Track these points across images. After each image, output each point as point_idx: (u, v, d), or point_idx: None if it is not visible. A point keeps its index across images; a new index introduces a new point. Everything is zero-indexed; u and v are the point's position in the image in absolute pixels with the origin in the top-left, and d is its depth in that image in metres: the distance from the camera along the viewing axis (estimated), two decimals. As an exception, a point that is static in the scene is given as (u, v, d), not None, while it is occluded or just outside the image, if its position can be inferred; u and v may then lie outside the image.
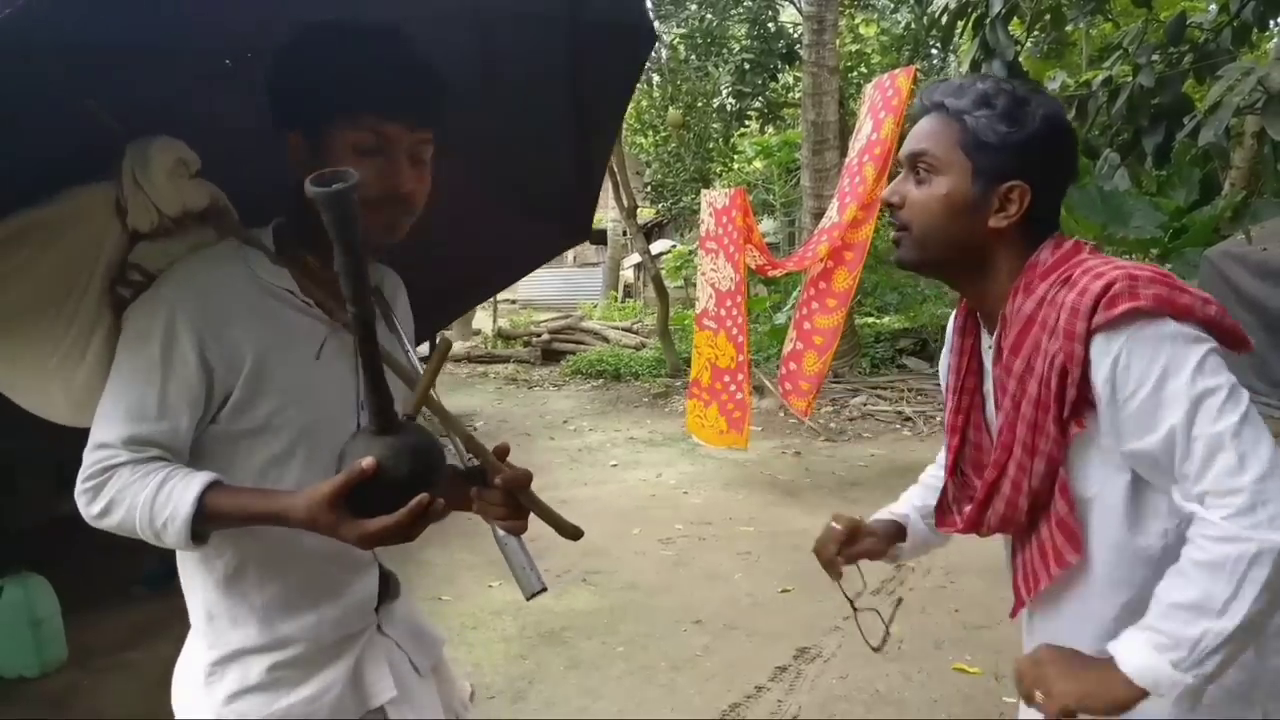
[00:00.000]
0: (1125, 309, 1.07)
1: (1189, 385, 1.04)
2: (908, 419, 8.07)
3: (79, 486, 1.18)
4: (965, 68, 4.46)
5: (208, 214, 1.28)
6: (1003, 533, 1.31)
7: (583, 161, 1.83)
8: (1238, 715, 1.15)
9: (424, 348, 1.86)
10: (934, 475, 1.59)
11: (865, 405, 8.59)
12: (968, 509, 1.33)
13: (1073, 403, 1.13)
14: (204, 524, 1.14)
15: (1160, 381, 1.06)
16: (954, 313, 1.42)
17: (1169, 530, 1.14)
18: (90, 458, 1.18)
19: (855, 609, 1.56)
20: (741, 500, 5.95)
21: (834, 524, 1.51)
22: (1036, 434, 1.17)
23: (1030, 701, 1.16)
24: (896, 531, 1.56)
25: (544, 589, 1.36)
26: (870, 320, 10.18)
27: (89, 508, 1.18)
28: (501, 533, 1.34)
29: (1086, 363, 1.10)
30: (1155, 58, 3.43)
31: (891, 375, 9.60)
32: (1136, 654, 1.06)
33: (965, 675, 3.37)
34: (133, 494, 1.15)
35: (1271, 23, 4.05)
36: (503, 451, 1.26)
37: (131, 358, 1.20)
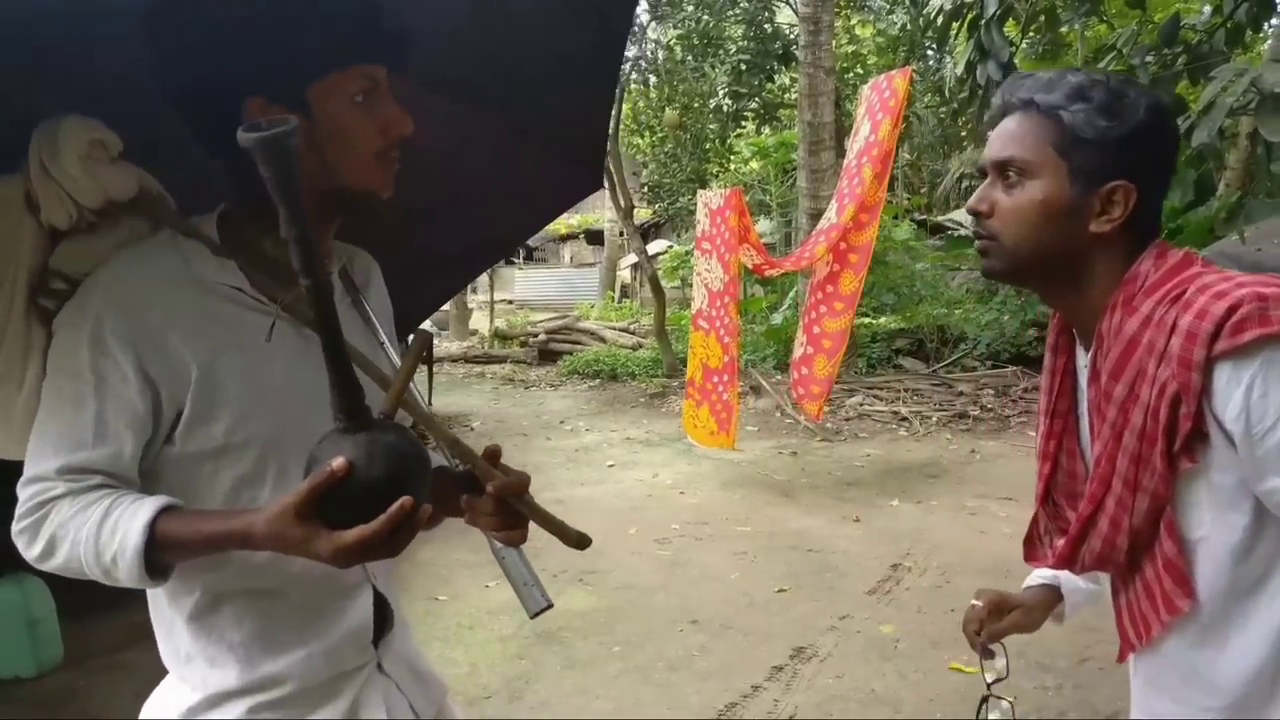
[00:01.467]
0: (1255, 336, 0.96)
1: None
2: (904, 419, 8.08)
3: (15, 526, 1.03)
4: (960, 69, 4.47)
5: (137, 203, 1.11)
6: (1100, 570, 1.22)
7: (586, 102, 1.68)
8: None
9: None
10: None
11: (862, 405, 8.59)
12: (1059, 543, 1.22)
13: (1185, 436, 1.02)
14: (159, 554, 0.99)
15: None
16: (1049, 327, 1.32)
17: None
18: (23, 493, 1.03)
19: (989, 691, 1.47)
20: (738, 500, 5.96)
21: (975, 602, 1.42)
22: (1140, 468, 1.06)
23: None
24: (1051, 596, 1.44)
25: (549, 606, 1.18)
26: (867, 320, 10.17)
27: (29, 550, 1.03)
28: (499, 545, 1.18)
29: (1205, 393, 1.00)
30: (1149, 59, 3.44)
31: (888, 375, 9.61)
32: None
33: (962, 675, 3.37)
34: (74, 529, 1.00)
35: (1265, 24, 4.06)
36: (493, 454, 1.12)
37: (60, 379, 1.05)
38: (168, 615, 1.16)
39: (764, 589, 4.34)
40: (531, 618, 1.20)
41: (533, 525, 1.15)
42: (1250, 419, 0.98)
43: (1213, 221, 7.55)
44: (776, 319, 10.56)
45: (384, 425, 0.96)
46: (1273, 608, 1.05)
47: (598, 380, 11.39)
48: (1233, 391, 0.98)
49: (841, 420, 8.21)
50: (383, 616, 1.26)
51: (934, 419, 7.98)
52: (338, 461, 0.90)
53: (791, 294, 10.30)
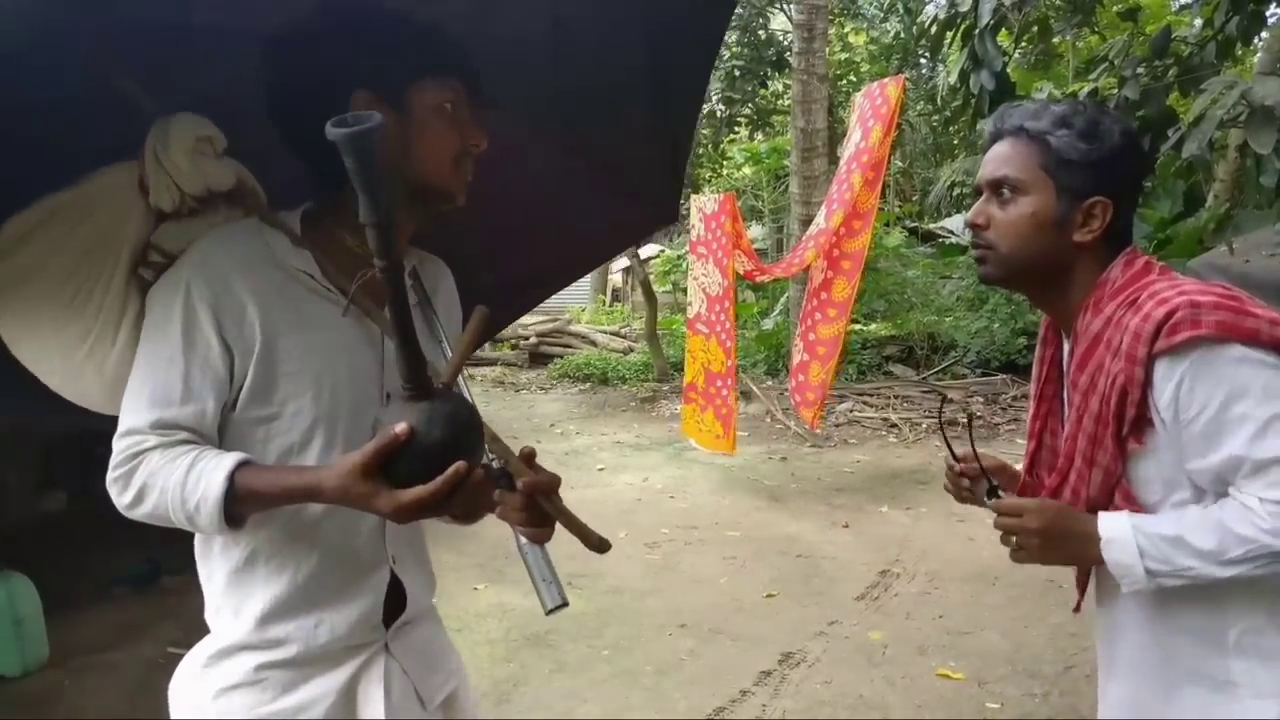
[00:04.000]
0: (1186, 337, 1.11)
1: (1255, 408, 1.10)
2: (893, 425, 8.11)
3: (110, 476, 1.14)
4: (954, 78, 4.49)
5: (234, 194, 1.24)
6: None
7: (667, 137, 1.75)
8: None
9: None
10: None
11: (851, 411, 8.62)
12: (1049, 480, 1.38)
13: (1131, 421, 1.19)
14: (236, 504, 1.10)
15: (1225, 404, 1.11)
16: (1041, 322, 1.49)
17: None
18: (118, 445, 1.14)
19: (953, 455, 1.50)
20: (728, 505, 5.96)
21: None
22: (1095, 447, 1.24)
23: (1006, 543, 1.31)
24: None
25: (565, 604, 1.25)
26: (857, 327, 10.20)
27: (120, 497, 1.14)
28: (524, 540, 1.26)
29: (1147, 385, 1.16)
30: (1140, 70, 3.46)
31: (878, 382, 9.63)
32: (1123, 552, 1.19)
33: (949, 681, 3.38)
34: (163, 478, 1.11)
35: (1255, 38, 4.10)
36: (528, 456, 1.20)
37: (153, 341, 1.17)
38: (212, 569, 1.26)
39: (753, 594, 4.34)
40: (546, 614, 1.26)
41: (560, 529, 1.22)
42: (1179, 409, 1.14)
43: (1202, 232, 7.61)
44: (768, 324, 10.58)
45: (444, 395, 1.04)
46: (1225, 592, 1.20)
47: (588, 384, 11.39)
48: (1165, 385, 1.15)
49: (831, 426, 8.22)
50: (399, 601, 1.31)
51: (924, 425, 8.00)
52: (401, 426, 0.99)
53: (783, 300, 10.33)
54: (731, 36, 13.17)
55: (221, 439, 1.19)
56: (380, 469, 1.02)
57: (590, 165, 1.71)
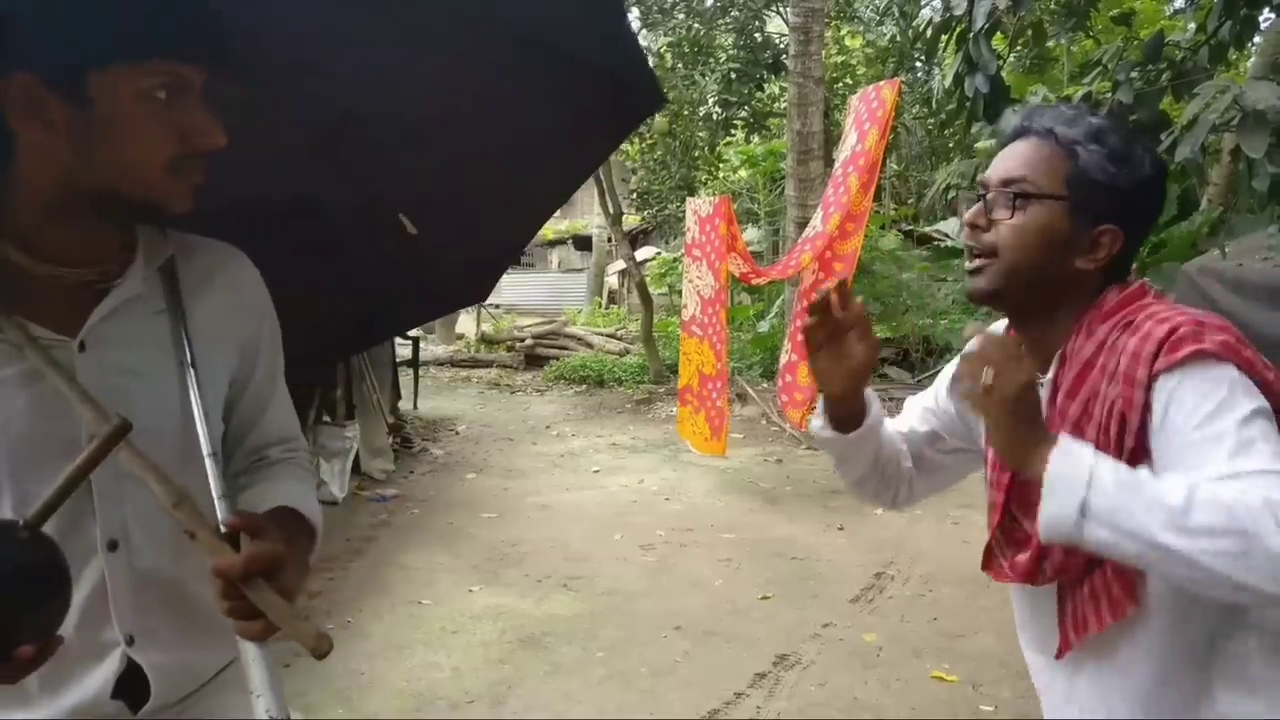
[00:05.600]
0: (1189, 351, 1.02)
1: (1240, 427, 0.99)
2: (889, 428, 8.11)
3: None
4: (949, 81, 4.50)
5: None
6: (1059, 580, 1.21)
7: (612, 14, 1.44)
8: None
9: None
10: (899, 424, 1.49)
11: (847, 414, 8.62)
12: (1021, 558, 1.22)
13: (1131, 451, 1.06)
14: None
15: (1211, 416, 1.00)
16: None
17: None
18: None
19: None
20: (723, 507, 5.97)
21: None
22: None
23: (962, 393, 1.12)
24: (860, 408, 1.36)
25: None
26: (853, 330, 10.22)
27: None
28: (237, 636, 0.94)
29: (1147, 410, 1.05)
30: (1134, 75, 3.48)
31: (873, 385, 9.61)
32: (1072, 465, 0.99)
33: (943, 683, 3.39)
34: None
35: (1248, 42, 4.12)
36: (235, 525, 0.95)
37: None
38: None
39: (748, 596, 4.34)
40: None
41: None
42: (1167, 415, 1.03)
43: (1195, 237, 7.62)
44: (763, 327, 10.60)
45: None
46: (1210, 612, 1.08)
47: (584, 386, 11.39)
48: (1162, 403, 1.04)
49: (827, 428, 8.22)
50: (134, 685, 1.04)
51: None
52: None
53: (778, 302, 10.34)
54: (728, 39, 13.20)
55: None
56: None
57: (540, 58, 1.45)
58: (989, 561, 1.33)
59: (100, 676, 1.01)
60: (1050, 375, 1.20)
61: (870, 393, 1.39)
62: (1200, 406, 1.01)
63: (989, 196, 1.20)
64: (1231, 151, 7.67)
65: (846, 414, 1.36)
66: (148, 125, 0.94)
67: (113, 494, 1.00)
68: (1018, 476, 1.22)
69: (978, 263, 1.21)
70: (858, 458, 1.40)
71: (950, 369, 1.44)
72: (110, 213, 1.00)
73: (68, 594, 0.87)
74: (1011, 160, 1.20)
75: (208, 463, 1.02)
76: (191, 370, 1.04)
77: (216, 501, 1.00)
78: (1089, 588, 1.15)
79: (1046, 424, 1.16)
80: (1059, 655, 1.23)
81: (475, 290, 1.87)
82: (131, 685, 1.04)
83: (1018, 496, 1.24)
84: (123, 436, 0.87)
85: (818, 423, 1.39)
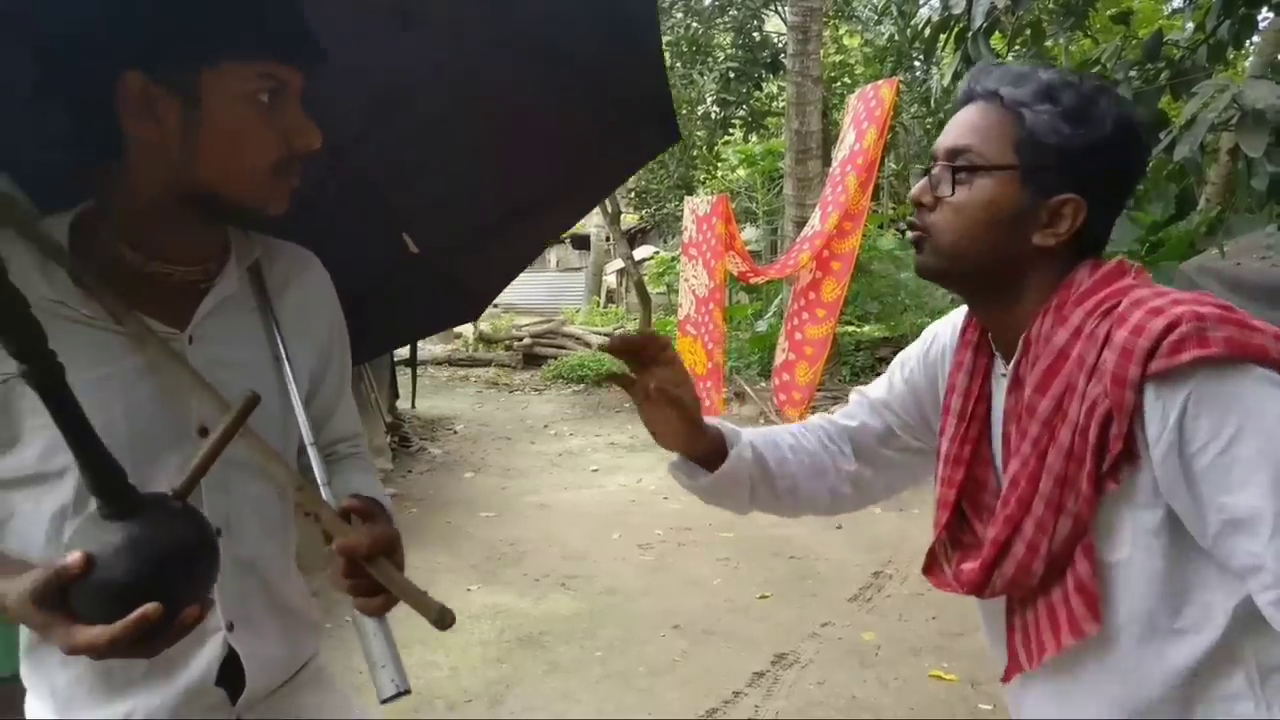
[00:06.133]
0: (1192, 357, 0.89)
1: (1270, 444, 0.89)
2: (887, 427, 8.11)
3: None
4: (947, 80, 4.50)
5: None
6: (1009, 594, 1.11)
7: (640, 52, 1.44)
8: None
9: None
10: (791, 429, 1.35)
11: (845, 413, 8.62)
12: (968, 566, 1.12)
13: (1114, 457, 0.95)
14: None
15: (1236, 438, 0.90)
16: (960, 322, 1.22)
17: (1220, 610, 0.97)
18: None
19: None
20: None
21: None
22: (1065, 490, 0.99)
23: None
24: (714, 438, 1.22)
25: (403, 692, 1.01)
26: (851, 329, 10.22)
27: None
28: (356, 611, 1.01)
29: (1137, 412, 0.94)
30: (1133, 74, 3.48)
31: (871, 383, 9.64)
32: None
33: (942, 682, 3.39)
34: None
35: (1247, 41, 4.12)
36: (353, 508, 1.00)
37: None
38: (21, 648, 1.06)
39: (746, 595, 4.34)
40: (381, 703, 1.02)
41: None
42: (1184, 439, 0.92)
43: (1194, 236, 7.63)
44: (761, 326, 10.58)
45: (152, 512, 0.85)
46: (1191, 640, 0.98)
47: (582, 385, 11.38)
48: (1168, 413, 0.92)
49: (825, 428, 8.22)
50: (236, 669, 1.08)
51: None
52: (72, 557, 0.81)
53: (776, 301, 10.33)
54: (726, 39, 13.20)
55: None
56: (56, 599, 0.82)
57: (567, 90, 1.47)
58: (931, 565, 1.23)
59: (204, 661, 1.04)
60: (1013, 361, 1.07)
61: (719, 422, 1.25)
62: (1221, 427, 0.90)
63: (933, 172, 1.09)
64: (1230, 151, 7.67)
65: (706, 453, 1.22)
66: (254, 126, 0.97)
67: (220, 482, 1.03)
68: (972, 474, 1.15)
69: (918, 236, 1.10)
70: (736, 491, 1.26)
71: (901, 357, 1.34)
72: (212, 213, 1.03)
73: (217, 561, 0.90)
74: (955, 129, 1.08)
75: (310, 451, 1.07)
76: (288, 365, 1.10)
77: (322, 488, 1.05)
78: (1045, 604, 1.05)
79: (1007, 420, 1.08)
80: (1006, 678, 1.14)
81: (470, 310, 1.88)
82: (229, 675, 1.07)
83: (970, 495, 1.16)
84: (254, 408, 0.91)
85: (681, 477, 1.26)
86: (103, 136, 0.98)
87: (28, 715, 1.07)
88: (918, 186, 1.10)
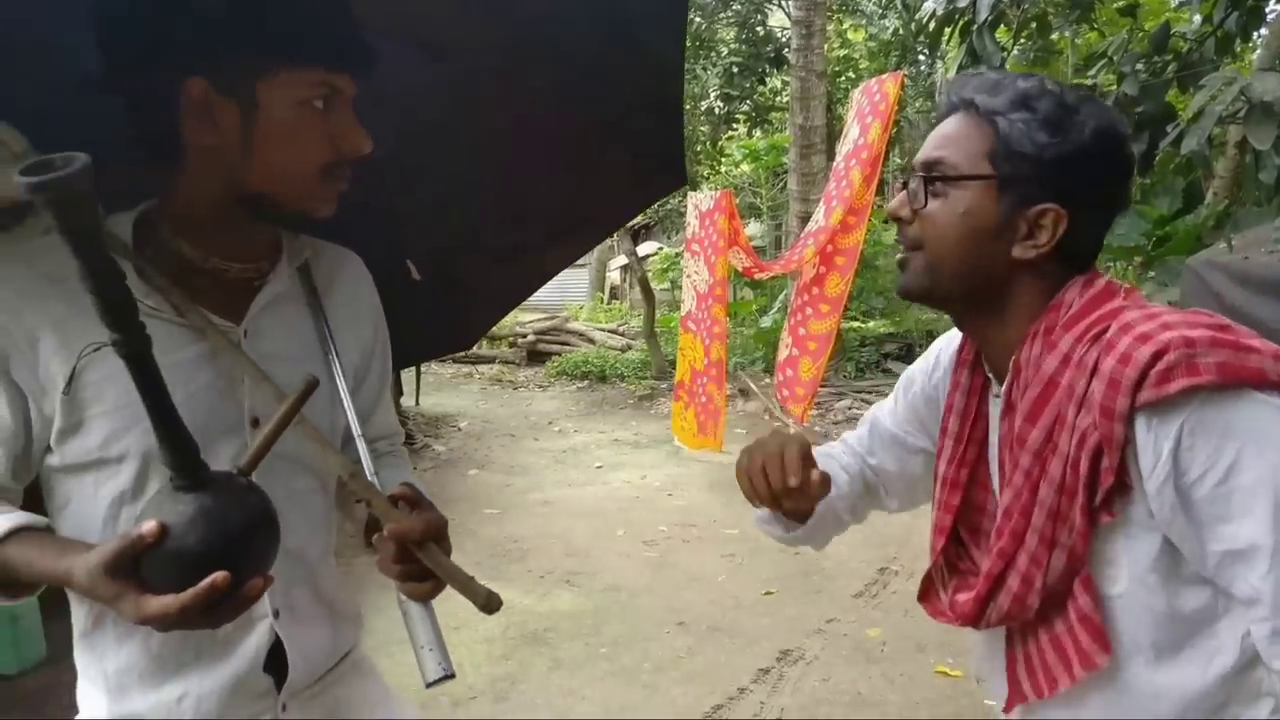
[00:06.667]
0: (1182, 386, 0.86)
1: (1271, 473, 0.87)
2: (892, 423, 8.10)
3: None
4: (952, 74, 4.48)
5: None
6: (1005, 625, 1.09)
7: (657, 93, 1.46)
8: None
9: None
10: (839, 451, 1.37)
11: (850, 409, 8.61)
12: (963, 597, 1.09)
13: (1106, 490, 0.93)
14: (6, 574, 0.95)
15: (1234, 469, 0.87)
16: (958, 343, 1.19)
17: (1230, 638, 0.95)
18: None
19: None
20: (725, 502, 5.95)
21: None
22: (1058, 523, 0.97)
23: None
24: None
25: (448, 676, 1.04)
26: (856, 324, 10.22)
27: None
28: (403, 597, 1.04)
29: (1128, 444, 0.91)
30: (1139, 66, 3.46)
31: (877, 379, 9.63)
32: None
33: (947, 678, 3.38)
34: None
35: (1254, 34, 4.09)
36: (402, 495, 1.03)
37: None
38: (75, 627, 1.09)
39: (751, 591, 4.34)
40: (427, 686, 1.05)
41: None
42: (1177, 470, 0.89)
43: (1201, 230, 7.59)
44: (766, 322, 10.57)
45: (222, 486, 0.90)
46: (1201, 669, 0.96)
47: (586, 381, 11.38)
48: (1155, 444, 0.89)
49: (830, 424, 8.22)
50: (284, 657, 1.12)
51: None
52: (147, 526, 0.84)
53: (781, 297, 10.32)
54: (730, 33, 13.16)
55: (50, 490, 1.04)
56: (128, 569, 0.86)
57: (582, 130, 1.49)
58: (927, 592, 1.20)
59: (253, 647, 1.08)
60: (1005, 385, 1.05)
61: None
62: (1218, 457, 0.88)
63: (910, 185, 1.07)
64: (1238, 144, 7.64)
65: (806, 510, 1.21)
66: (307, 131, 1.01)
67: (269, 473, 1.04)
68: (969, 497, 1.13)
69: (904, 257, 1.07)
70: (826, 533, 1.32)
71: (908, 374, 1.32)
72: (264, 214, 1.07)
73: (278, 536, 0.94)
74: (932, 141, 1.05)
75: (359, 443, 1.11)
76: (336, 360, 1.14)
77: (371, 477, 1.08)
78: (1048, 636, 1.03)
79: (1001, 445, 1.05)
80: (1007, 708, 1.10)
81: (469, 337, 1.92)
82: (274, 664, 1.10)
83: (967, 520, 1.14)
84: (313, 392, 0.96)
85: (773, 531, 1.28)
86: (165, 140, 1.02)
87: (79, 700, 1.10)
88: (895, 200, 1.08)
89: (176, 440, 0.87)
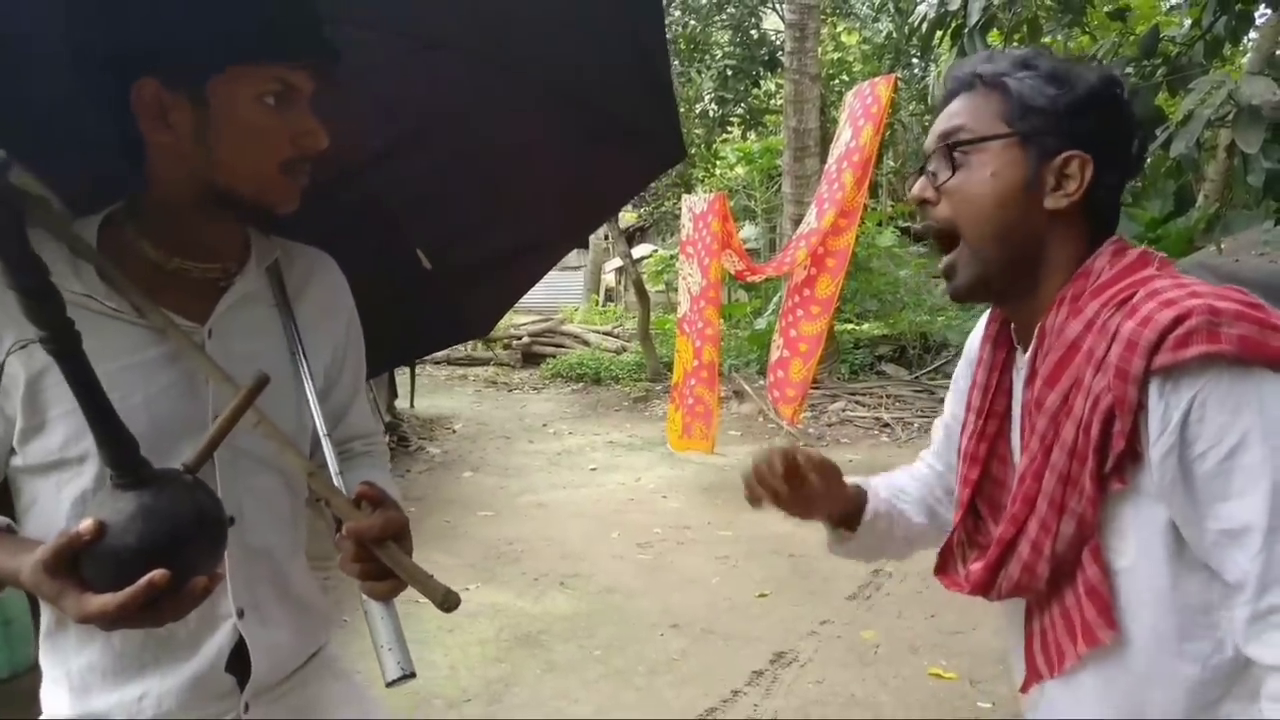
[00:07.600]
0: (1199, 352, 0.84)
1: (1275, 456, 0.85)
2: (886, 425, 8.12)
3: None
4: (944, 77, 4.49)
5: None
6: (1017, 597, 1.08)
7: (645, 67, 1.42)
8: None
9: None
10: (907, 483, 1.38)
11: (844, 411, 8.63)
12: (975, 566, 1.08)
13: (1117, 455, 0.91)
14: None
15: (1239, 447, 0.86)
16: (984, 319, 1.19)
17: (1223, 639, 0.93)
18: None
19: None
20: (720, 505, 5.96)
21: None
22: (1068, 489, 0.95)
23: None
24: (856, 496, 1.28)
25: (408, 675, 1.02)
26: (850, 327, 10.23)
27: None
28: (364, 595, 1.03)
29: (1141, 408, 0.89)
30: (1129, 70, 3.47)
31: (870, 381, 9.65)
32: None
33: (941, 680, 3.39)
34: None
35: (1243, 38, 4.12)
36: (366, 494, 1.02)
37: None
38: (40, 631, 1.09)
39: (745, 593, 4.34)
40: (387, 686, 1.03)
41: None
42: (1186, 440, 0.87)
43: (1192, 233, 7.63)
44: (760, 324, 10.58)
45: (165, 483, 0.89)
46: (1207, 650, 0.94)
47: (581, 384, 11.38)
48: (1165, 411, 0.88)
49: (824, 426, 8.23)
50: (245, 656, 1.11)
51: (916, 425, 8.02)
52: (85, 524, 0.84)
53: (776, 299, 10.33)
54: (724, 36, 13.19)
55: (17, 490, 1.05)
56: (68, 567, 0.85)
57: (573, 108, 1.47)
58: (945, 564, 1.20)
59: (215, 646, 1.08)
60: (1029, 353, 1.03)
61: (862, 482, 1.31)
62: (1224, 434, 0.86)
63: (928, 166, 1.06)
64: (1227, 147, 7.67)
65: (850, 514, 1.29)
66: (261, 128, 1.01)
67: (232, 472, 1.08)
68: (989, 471, 1.13)
69: (946, 262, 1.07)
70: (884, 545, 1.34)
71: (954, 379, 1.31)
72: (226, 211, 1.07)
73: (224, 535, 0.93)
74: (944, 118, 1.06)
75: (325, 442, 1.11)
76: (304, 360, 1.14)
77: (335, 477, 1.08)
78: (1059, 608, 1.01)
79: (1023, 414, 1.05)
80: (1024, 688, 1.09)
81: (479, 327, 1.92)
82: (238, 664, 1.10)
83: (986, 494, 1.13)
84: (262, 389, 0.95)
85: (833, 545, 1.34)
86: (125, 142, 1.03)
87: (43, 699, 1.10)
88: (917, 185, 1.07)
89: (112, 436, 0.87)
